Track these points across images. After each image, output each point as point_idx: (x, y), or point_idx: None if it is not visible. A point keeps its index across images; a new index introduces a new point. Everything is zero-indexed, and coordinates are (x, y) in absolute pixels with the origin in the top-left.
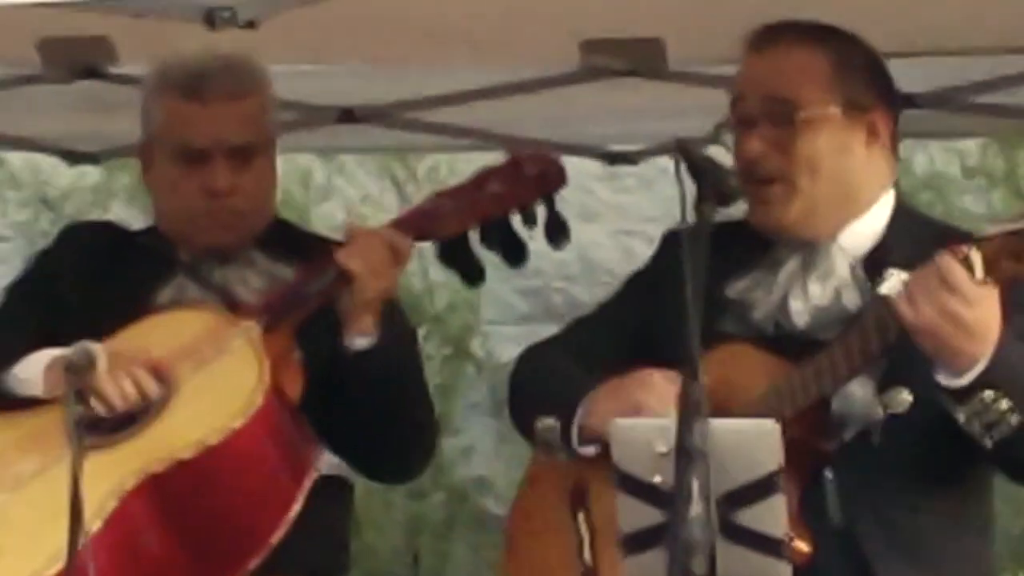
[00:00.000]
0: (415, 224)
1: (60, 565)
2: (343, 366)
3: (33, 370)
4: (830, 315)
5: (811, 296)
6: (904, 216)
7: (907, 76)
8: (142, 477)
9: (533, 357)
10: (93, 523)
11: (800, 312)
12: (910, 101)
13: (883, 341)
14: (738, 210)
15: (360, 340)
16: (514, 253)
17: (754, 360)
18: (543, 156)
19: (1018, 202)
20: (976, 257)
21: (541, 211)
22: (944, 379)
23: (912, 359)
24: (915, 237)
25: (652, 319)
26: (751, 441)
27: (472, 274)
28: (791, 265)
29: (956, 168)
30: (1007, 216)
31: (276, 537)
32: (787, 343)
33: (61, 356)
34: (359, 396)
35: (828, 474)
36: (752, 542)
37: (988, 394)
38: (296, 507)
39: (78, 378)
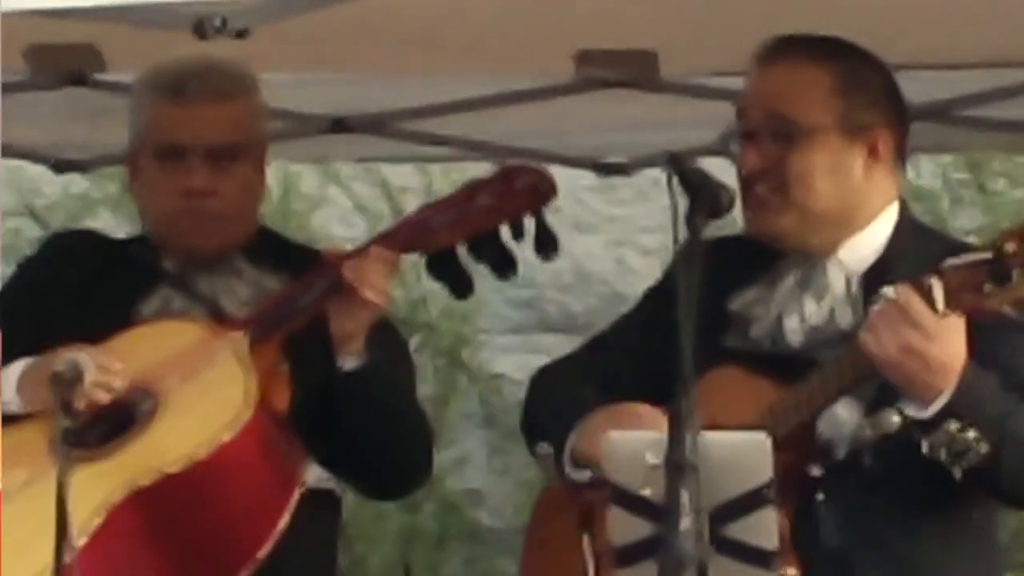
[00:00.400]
0: (404, 236)
1: None
2: (335, 385)
3: (8, 385)
4: (824, 334)
5: (806, 314)
6: (908, 230)
7: None
8: (129, 490)
9: (546, 379)
10: (80, 537)
11: (794, 331)
12: None
13: (864, 367)
14: (734, 223)
15: (350, 361)
16: (503, 266)
17: (741, 387)
18: (534, 168)
19: (997, 216)
20: (938, 289)
21: (530, 223)
22: (910, 410)
23: None
24: (919, 251)
25: (664, 336)
26: (742, 454)
27: (460, 286)
28: (789, 281)
29: (942, 181)
30: (1005, 230)
31: (264, 550)
32: (782, 362)
33: (33, 366)
34: (350, 415)
35: (819, 496)
36: (743, 555)
37: (953, 425)
38: (284, 520)
39: (65, 390)
